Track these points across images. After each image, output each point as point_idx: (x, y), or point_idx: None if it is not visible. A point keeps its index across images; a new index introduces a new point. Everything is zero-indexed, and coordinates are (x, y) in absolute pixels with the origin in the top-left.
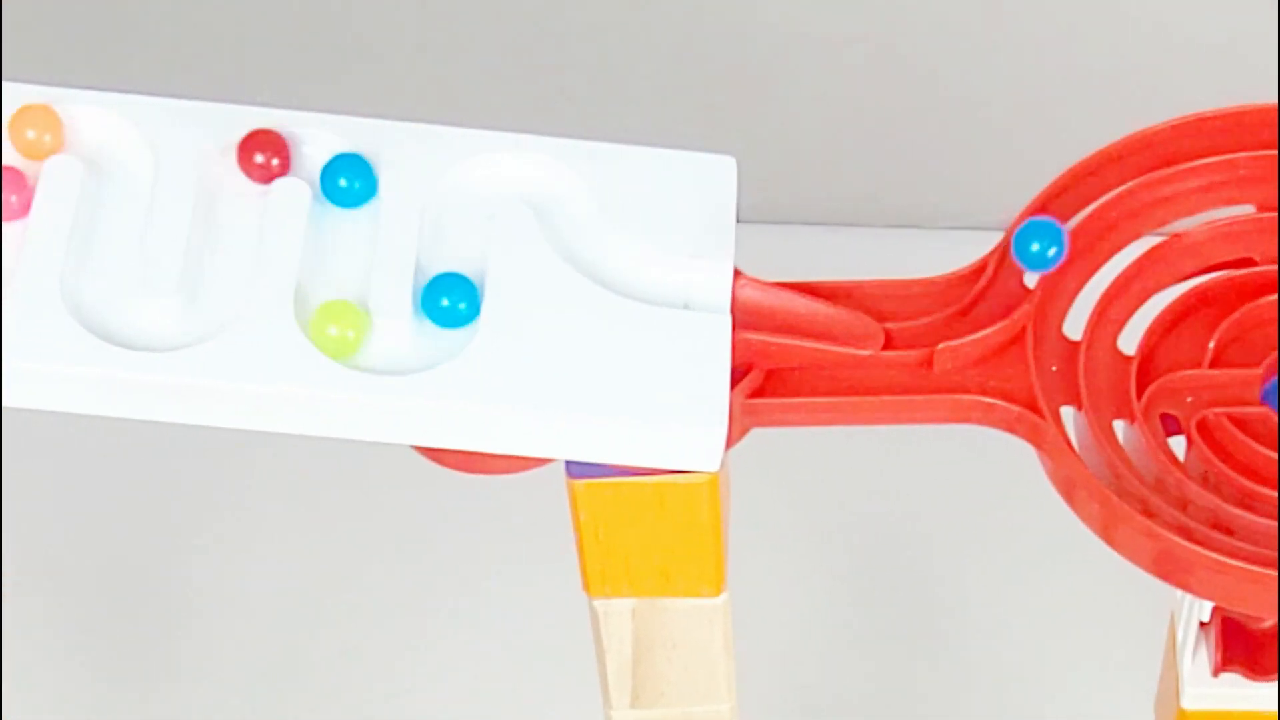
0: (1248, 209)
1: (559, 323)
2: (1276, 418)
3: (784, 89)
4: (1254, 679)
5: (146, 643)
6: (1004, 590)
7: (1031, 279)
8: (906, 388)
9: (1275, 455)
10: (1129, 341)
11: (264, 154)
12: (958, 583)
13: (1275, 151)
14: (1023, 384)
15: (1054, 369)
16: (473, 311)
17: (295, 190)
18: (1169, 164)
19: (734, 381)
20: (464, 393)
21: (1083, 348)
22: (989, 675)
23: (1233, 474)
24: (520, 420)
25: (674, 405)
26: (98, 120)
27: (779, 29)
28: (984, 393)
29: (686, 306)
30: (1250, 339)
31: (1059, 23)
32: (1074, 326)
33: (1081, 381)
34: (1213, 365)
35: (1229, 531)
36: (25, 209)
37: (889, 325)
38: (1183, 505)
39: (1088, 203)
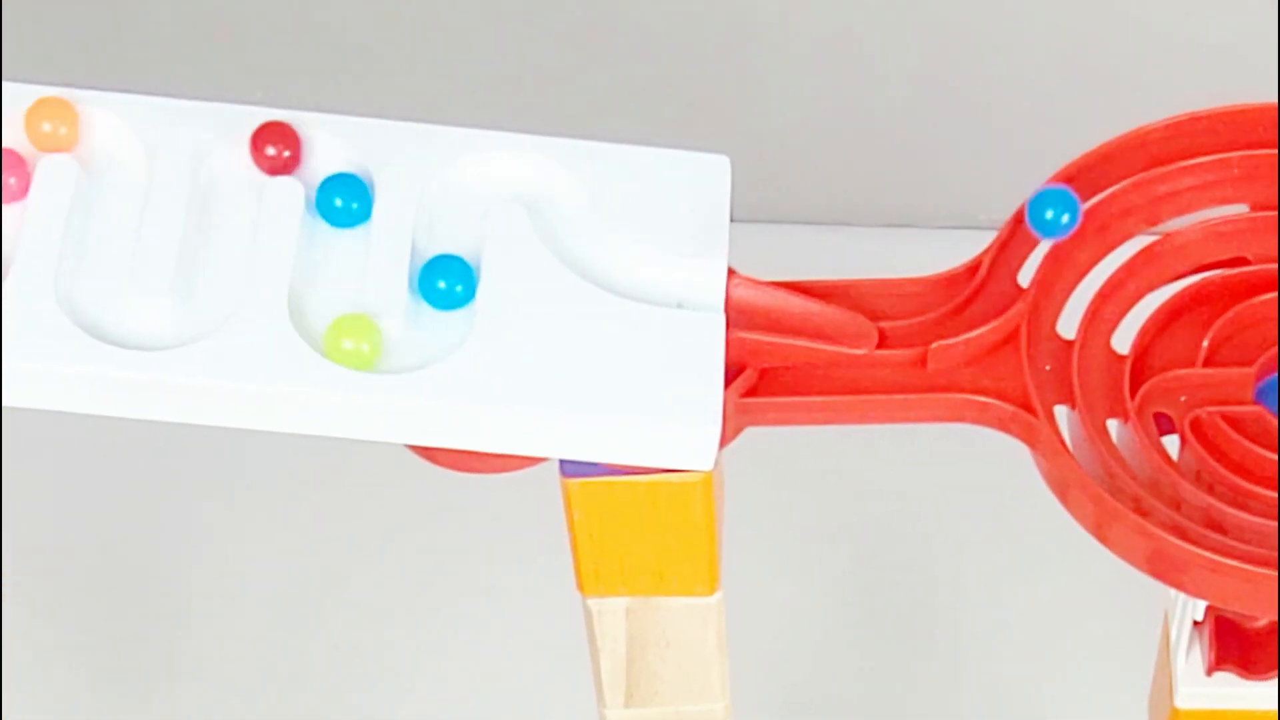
0: (1241, 208)
1: (553, 322)
2: (1270, 416)
3: (778, 88)
4: (1247, 678)
5: (145, 642)
6: (997, 590)
7: (1025, 278)
8: (900, 387)
9: (1269, 454)
10: (1123, 340)
11: (276, 146)
12: (951, 582)
13: (1268, 151)
14: (1016, 383)
15: (1048, 368)
16: (469, 294)
17: (289, 190)
18: (1163, 163)
19: (728, 381)
20: (458, 392)
21: (1076, 347)
22: (981, 674)
23: (1226, 473)
24: (514, 419)
25: (668, 404)
26: (92, 119)
27: (772, 28)
28: (978, 392)
29: (680, 306)
30: (1244, 338)
31: (1053, 22)
32: (1068, 325)
33: (1075, 380)
34: (1206, 364)
35: (1222, 530)
36: (24, 191)
37: (883, 324)
38: (1176, 504)
39: (1082, 201)
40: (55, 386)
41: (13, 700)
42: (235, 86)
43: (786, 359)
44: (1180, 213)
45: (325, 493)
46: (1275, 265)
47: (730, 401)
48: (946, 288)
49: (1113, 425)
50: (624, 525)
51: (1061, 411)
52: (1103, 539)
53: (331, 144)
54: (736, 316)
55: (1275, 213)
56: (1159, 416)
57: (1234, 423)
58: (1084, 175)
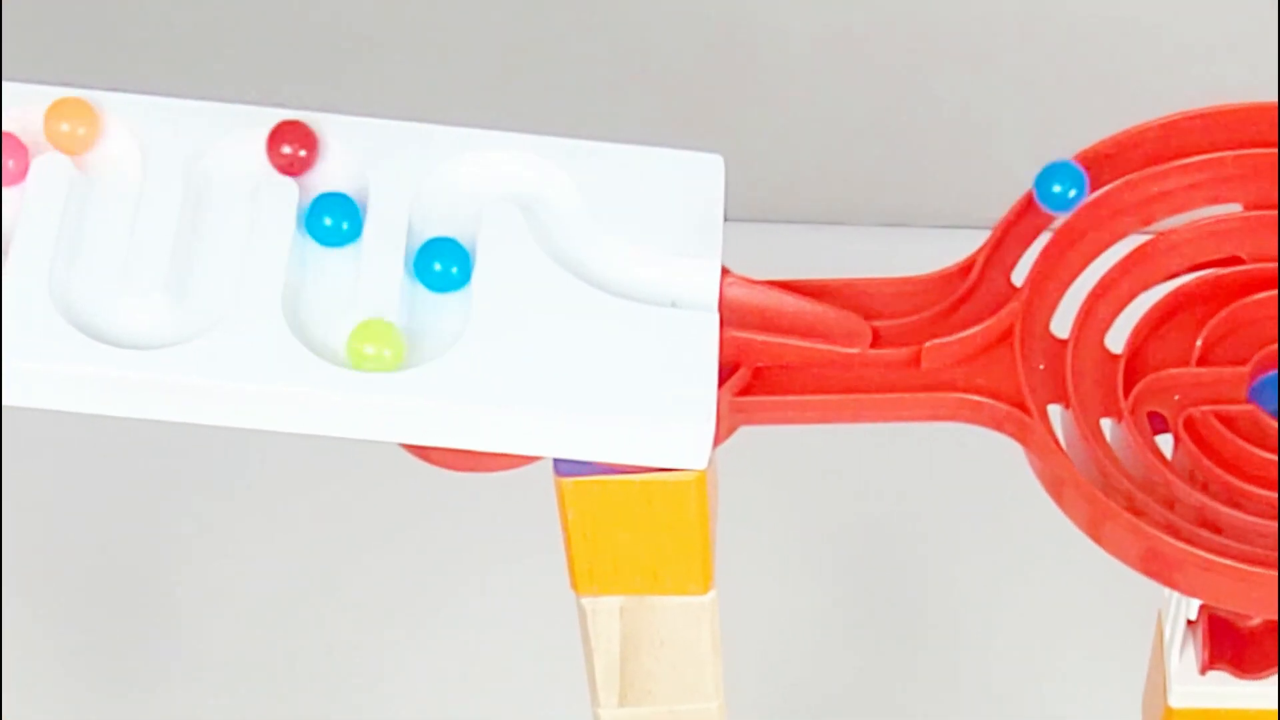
0: (1235, 207)
1: (546, 321)
2: (1264, 415)
3: (772, 87)
4: (1241, 677)
5: (144, 642)
6: (991, 589)
7: (1019, 277)
8: (894, 386)
9: (1263, 452)
10: (1116, 340)
11: (292, 145)
12: (945, 581)
13: (1262, 150)
14: (1010, 382)
15: (1041, 367)
16: (464, 275)
17: (284, 190)
18: (1156, 162)
19: (721, 379)
20: (451, 391)
21: (1070, 346)
22: (975, 673)
23: (1220, 472)
24: (508, 418)
25: (661, 403)
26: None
27: (767, 27)
28: (971, 391)
29: (674, 304)
30: (1237, 337)
31: (1048, 21)
32: (1061, 324)
33: (1069, 379)
34: (1200, 363)
35: (1216, 529)
36: (23, 174)
37: (876, 323)
38: (1170, 503)
39: None
40: (48, 385)
41: (12, 700)
42: (230, 85)
43: (780, 358)
44: (1174, 212)
45: (322, 492)
46: (1268, 264)
47: (724, 400)
48: (940, 287)
49: (1106, 424)
50: (618, 524)
51: (1055, 410)
52: (1097, 538)
53: (327, 143)
54: (730, 315)
55: (1268, 212)
56: (1153, 415)
57: (1228, 422)
58: None
